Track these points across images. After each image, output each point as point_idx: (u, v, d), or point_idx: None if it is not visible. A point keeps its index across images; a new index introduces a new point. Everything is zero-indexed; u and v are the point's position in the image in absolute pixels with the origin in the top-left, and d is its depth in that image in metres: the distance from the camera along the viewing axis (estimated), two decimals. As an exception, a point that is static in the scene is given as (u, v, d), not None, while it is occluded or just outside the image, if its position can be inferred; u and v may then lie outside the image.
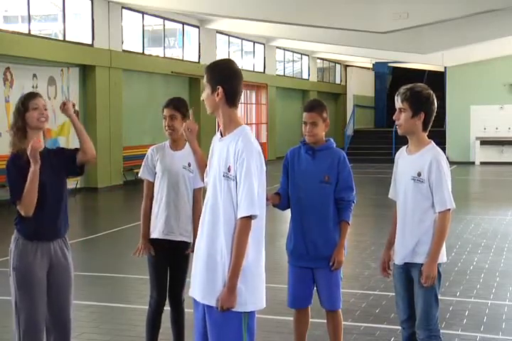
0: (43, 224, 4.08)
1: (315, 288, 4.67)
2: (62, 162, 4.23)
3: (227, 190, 3.38)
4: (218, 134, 3.52)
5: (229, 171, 3.37)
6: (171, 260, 4.74)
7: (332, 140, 4.70)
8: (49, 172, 4.11)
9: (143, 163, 4.85)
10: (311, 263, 4.56)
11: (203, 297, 3.43)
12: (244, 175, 3.33)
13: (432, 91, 4.16)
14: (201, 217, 3.51)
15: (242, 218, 3.32)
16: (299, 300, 4.66)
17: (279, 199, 4.59)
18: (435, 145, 4.18)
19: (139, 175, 4.91)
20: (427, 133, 4.18)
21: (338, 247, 4.53)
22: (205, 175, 3.65)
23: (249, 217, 3.33)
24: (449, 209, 4.05)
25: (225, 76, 3.45)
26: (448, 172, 4.09)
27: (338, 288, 4.63)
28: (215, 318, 3.39)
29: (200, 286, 3.44)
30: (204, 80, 3.50)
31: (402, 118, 4.12)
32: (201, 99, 3.53)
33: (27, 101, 4.13)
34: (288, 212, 4.70)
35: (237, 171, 3.35)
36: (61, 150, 4.39)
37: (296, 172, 4.62)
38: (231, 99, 3.45)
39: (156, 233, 4.74)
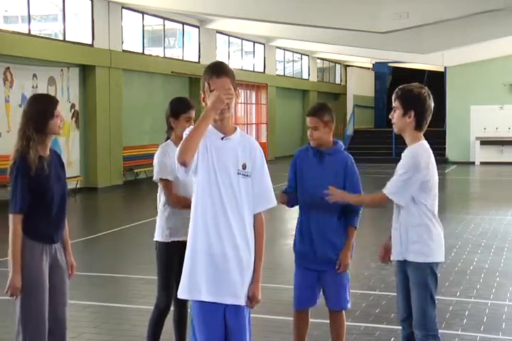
0: (52, 225, 4.06)
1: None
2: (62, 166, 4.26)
3: (246, 188, 3.41)
4: (220, 133, 3.40)
5: (244, 168, 3.40)
6: (181, 261, 4.63)
7: (341, 143, 4.66)
8: (56, 171, 4.12)
9: (158, 164, 4.65)
10: (318, 266, 4.58)
11: (238, 297, 3.37)
12: (261, 170, 3.45)
13: (424, 90, 4.18)
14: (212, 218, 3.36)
15: (261, 212, 3.46)
16: (305, 302, 4.67)
17: (287, 199, 4.59)
18: (424, 143, 4.15)
19: (158, 176, 4.62)
20: (422, 132, 4.19)
21: (345, 250, 4.56)
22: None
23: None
24: (386, 196, 4.10)
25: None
26: (417, 169, 4.01)
27: (345, 288, 4.64)
28: (244, 316, 3.39)
29: (236, 287, 3.36)
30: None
31: (394, 117, 4.21)
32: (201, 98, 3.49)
33: (53, 107, 4.05)
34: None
35: (253, 167, 3.41)
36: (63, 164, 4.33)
37: (304, 177, 4.59)
38: None
39: (183, 235, 4.31)
